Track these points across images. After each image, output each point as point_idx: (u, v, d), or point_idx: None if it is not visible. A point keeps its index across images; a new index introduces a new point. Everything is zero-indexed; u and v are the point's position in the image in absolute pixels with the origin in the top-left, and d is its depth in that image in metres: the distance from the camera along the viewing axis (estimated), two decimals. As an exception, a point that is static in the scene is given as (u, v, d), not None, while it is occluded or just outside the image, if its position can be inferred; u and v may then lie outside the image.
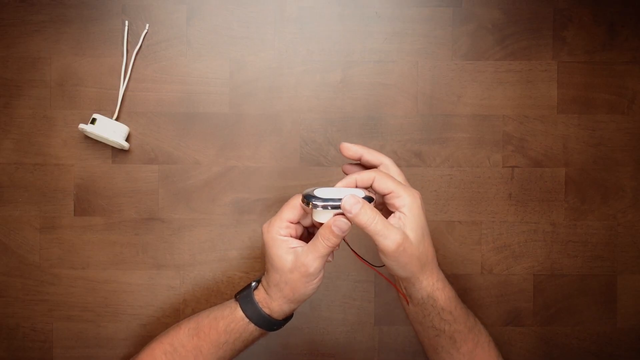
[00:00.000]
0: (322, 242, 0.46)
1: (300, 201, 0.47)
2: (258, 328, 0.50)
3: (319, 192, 0.46)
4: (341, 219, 0.45)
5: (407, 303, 0.50)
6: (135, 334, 0.63)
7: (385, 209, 0.49)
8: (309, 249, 0.47)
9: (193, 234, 0.63)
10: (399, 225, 0.45)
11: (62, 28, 0.62)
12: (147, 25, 0.62)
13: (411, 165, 0.63)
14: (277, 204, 0.62)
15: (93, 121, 0.59)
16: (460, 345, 0.50)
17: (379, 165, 0.49)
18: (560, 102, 0.63)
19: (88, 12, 0.62)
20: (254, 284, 0.52)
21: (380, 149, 0.62)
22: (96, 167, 0.62)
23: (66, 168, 0.62)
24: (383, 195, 0.47)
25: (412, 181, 0.62)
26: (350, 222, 0.45)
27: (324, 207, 0.45)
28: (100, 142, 0.62)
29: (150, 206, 0.62)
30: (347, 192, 0.45)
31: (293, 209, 0.47)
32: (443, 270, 0.63)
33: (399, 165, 0.49)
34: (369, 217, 0.44)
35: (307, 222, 0.50)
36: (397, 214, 0.46)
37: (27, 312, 0.62)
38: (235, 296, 0.52)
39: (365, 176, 0.46)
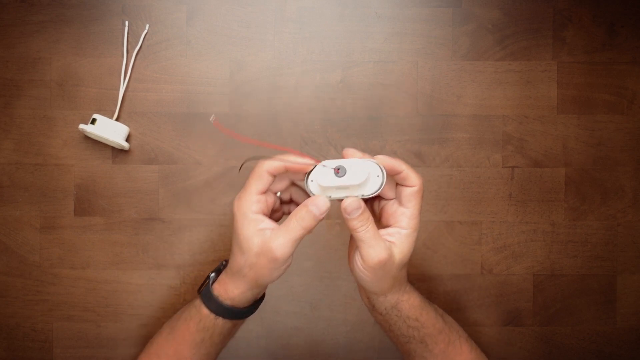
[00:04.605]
0: (295, 223, 0.43)
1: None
2: (228, 320, 0.48)
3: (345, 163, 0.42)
4: (322, 198, 0.43)
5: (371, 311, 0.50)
6: (135, 334, 0.63)
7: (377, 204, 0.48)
8: (280, 231, 0.43)
9: (193, 234, 0.63)
10: (391, 240, 0.44)
11: (62, 28, 0.62)
12: (147, 25, 0.62)
13: (411, 165, 0.62)
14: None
15: (93, 121, 0.59)
16: (432, 348, 0.50)
17: (411, 186, 0.44)
18: (560, 102, 0.63)
19: (88, 12, 0.62)
20: (212, 275, 0.49)
21: (380, 149, 0.62)
22: (96, 167, 0.62)
23: (66, 168, 0.62)
24: (399, 203, 0.45)
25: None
26: (345, 221, 0.43)
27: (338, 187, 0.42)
28: (100, 142, 0.62)
29: (150, 206, 0.62)
30: (366, 165, 0.42)
31: (260, 178, 0.44)
32: (443, 270, 0.64)
33: None
34: (362, 223, 0.42)
35: (280, 187, 0.47)
36: (394, 230, 0.45)
37: (27, 312, 0.62)
38: (198, 292, 0.50)
39: (410, 178, 0.44)
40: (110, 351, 0.63)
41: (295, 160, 0.43)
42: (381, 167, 0.43)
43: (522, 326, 0.63)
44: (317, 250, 0.63)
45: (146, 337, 0.63)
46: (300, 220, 0.43)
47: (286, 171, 0.44)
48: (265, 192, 0.45)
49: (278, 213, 0.49)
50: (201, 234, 0.63)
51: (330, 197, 0.44)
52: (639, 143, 0.63)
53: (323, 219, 0.43)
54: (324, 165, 0.43)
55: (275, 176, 0.44)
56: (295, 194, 0.48)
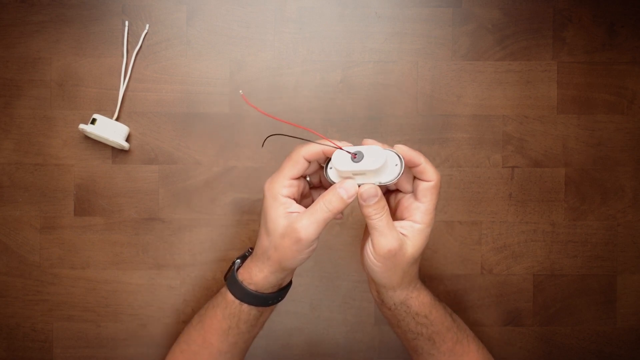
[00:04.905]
0: (322, 206, 0.43)
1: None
2: (253, 307, 0.48)
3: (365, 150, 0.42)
4: (350, 181, 0.43)
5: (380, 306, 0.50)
6: (135, 334, 0.63)
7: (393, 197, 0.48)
8: (306, 213, 0.43)
9: (193, 234, 0.63)
10: (404, 233, 0.44)
11: (62, 28, 0.62)
12: (147, 25, 0.62)
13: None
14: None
15: (93, 121, 0.59)
16: (439, 345, 0.50)
17: (428, 181, 0.44)
18: (560, 102, 0.63)
19: (88, 12, 0.62)
20: (237, 261, 0.50)
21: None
22: (96, 167, 0.62)
23: (66, 168, 0.62)
24: (415, 198, 0.45)
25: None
26: (359, 208, 0.43)
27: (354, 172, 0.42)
28: (100, 142, 0.62)
29: (150, 206, 0.62)
30: (383, 154, 0.42)
31: (296, 163, 0.44)
32: (443, 270, 0.64)
33: None
34: (377, 211, 0.42)
35: (309, 170, 0.47)
36: (407, 224, 0.45)
37: (27, 312, 0.62)
38: (224, 279, 0.51)
39: (427, 172, 0.43)
40: (110, 351, 0.63)
41: (332, 145, 0.43)
42: (400, 156, 0.43)
43: (522, 326, 0.63)
44: (317, 250, 0.63)
45: (146, 337, 0.63)
46: (327, 202, 0.43)
47: (324, 156, 0.44)
48: (298, 178, 0.45)
49: (308, 199, 0.49)
50: (201, 234, 0.63)
51: None
52: (639, 143, 0.63)
53: (350, 203, 0.43)
54: (341, 150, 0.43)
55: (310, 162, 0.45)
56: (324, 178, 0.48)
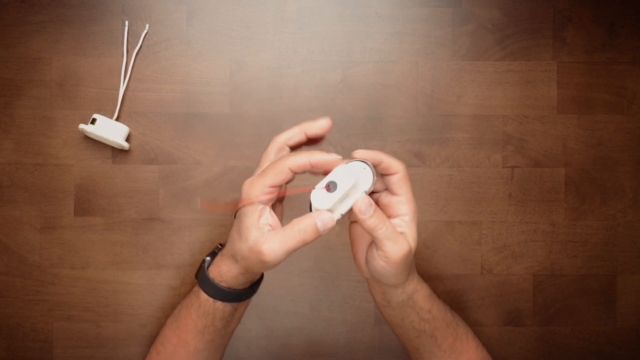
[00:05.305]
0: (295, 234, 0.42)
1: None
2: (227, 303, 0.48)
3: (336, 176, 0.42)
4: (328, 213, 0.42)
5: (384, 308, 0.50)
6: (135, 334, 0.63)
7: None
8: (276, 235, 0.42)
9: (193, 234, 0.63)
10: (402, 231, 0.44)
11: (62, 28, 0.62)
12: (147, 25, 0.62)
13: (411, 166, 0.63)
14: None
15: (93, 121, 0.59)
16: (441, 342, 0.50)
17: (395, 173, 0.45)
18: (560, 102, 0.63)
19: (88, 12, 0.62)
20: (207, 259, 0.50)
21: (380, 149, 0.62)
22: (96, 167, 0.62)
23: (66, 168, 0.62)
24: (392, 193, 0.45)
25: (412, 181, 0.62)
26: (361, 223, 0.42)
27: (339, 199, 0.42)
28: (100, 142, 0.62)
29: (150, 206, 0.62)
30: (353, 169, 0.42)
31: (279, 173, 0.43)
32: (443, 270, 0.64)
33: None
34: (380, 220, 0.42)
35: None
36: (398, 221, 0.45)
37: (27, 312, 0.62)
38: (195, 277, 0.51)
39: (392, 166, 0.44)
40: (110, 351, 0.63)
41: (321, 157, 0.43)
42: (363, 160, 0.43)
43: (522, 326, 0.63)
44: (317, 250, 0.63)
45: (146, 337, 0.63)
46: (302, 232, 0.42)
47: (310, 167, 0.43)
48: (278, 186, 0.44)
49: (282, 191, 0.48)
50: (201, 234, 0.63)
51: (341, 214, 0.44)
52: (639, 143, 0.63)
53: (323, 235, 0.43)
54: (314, 189, 0.43)
55: (295, 173, 0.44)
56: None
